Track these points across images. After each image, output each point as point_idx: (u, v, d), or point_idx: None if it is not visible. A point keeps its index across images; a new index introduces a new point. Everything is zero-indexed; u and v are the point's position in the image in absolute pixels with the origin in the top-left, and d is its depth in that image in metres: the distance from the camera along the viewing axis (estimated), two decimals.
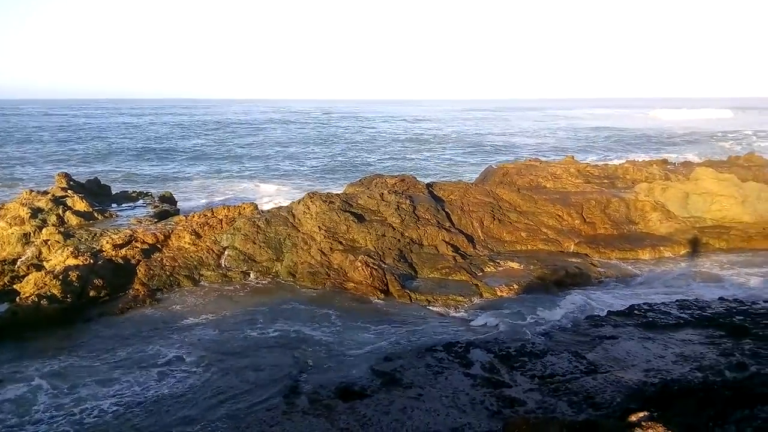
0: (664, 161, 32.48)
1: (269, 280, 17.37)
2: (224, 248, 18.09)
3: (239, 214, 19.55)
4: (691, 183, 23.98)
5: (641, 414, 5.66)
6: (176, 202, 24.91)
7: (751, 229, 21.53)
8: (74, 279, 15.28)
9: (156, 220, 19.96)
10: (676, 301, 14.81)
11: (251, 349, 12.58)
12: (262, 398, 10.35)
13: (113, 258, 16.99)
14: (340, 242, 18.40)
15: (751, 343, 11.58)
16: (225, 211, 19.73)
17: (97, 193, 24.46)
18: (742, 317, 13.53)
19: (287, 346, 12.74)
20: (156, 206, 22.75)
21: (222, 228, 18.70)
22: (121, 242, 17.75)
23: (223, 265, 17.64)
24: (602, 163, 34.39)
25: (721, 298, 15.13)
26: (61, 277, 15.14)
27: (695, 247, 20.53)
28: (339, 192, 22.40)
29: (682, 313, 13.92)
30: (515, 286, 16.56)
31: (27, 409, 10.21)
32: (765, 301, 14.89)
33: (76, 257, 16.36)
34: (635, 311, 13.93)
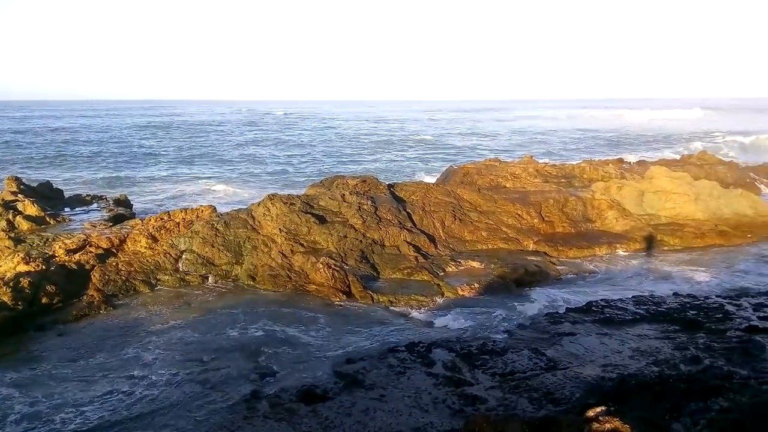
0: (620, 160, 33.21)
1: (229, 283, 17.12)
2: (182, 252, 17.77)
3: (197, 217, 19.23)
4: (646, 181, 24.57)
5: (599, 409, 5.75)
6: (132, 205, 24.36)
7: (704, 226, 22.15)
8: (25, 286, 14.79)
9: (111, 224, 19.47)
10: (632, 297, 15.13)
11: (210, 355, 12.36)
12: (222, 403, 10.17)
13: (66, 263, 16.51)
14: (302, 244, 18.26)
15: (704, 337, 11.90)
16: (182, 214, 19.38)
17: (49, 197, 23.75)
18: (695, 312, 13.90)
19: (248, 350, 12.56)
20: (111, 210, 22.21)
21: (179, 231, 18.36)
22: (74, 247, 17.26)
23: (180, 270, 17.32)
24: (560, 162, 34.97)
25: (675, 294, 15.51)
26: (11, 284, 14.64)
27: (650, 244, 21.03)
28: (300, 193, 22.24)
29: (638, 308, 14.23)
30: (476, 285, 16.68)
31: None
32: (717, 296, 15.34)
33: (27, 263, 15.85)
34: (593, 308, 14.17)
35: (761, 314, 13.69)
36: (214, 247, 17.87)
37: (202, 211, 19.68)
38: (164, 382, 11.13)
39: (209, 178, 39.51)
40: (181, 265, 17.41)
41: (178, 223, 18.60)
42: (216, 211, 20.11)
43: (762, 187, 32.88)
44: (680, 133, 77.05)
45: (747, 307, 14.30)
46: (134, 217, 20.79)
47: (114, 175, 41.02)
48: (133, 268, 16.98)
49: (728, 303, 14.67)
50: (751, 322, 12.94)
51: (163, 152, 55.29)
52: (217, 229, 18.27)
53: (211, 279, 17.17)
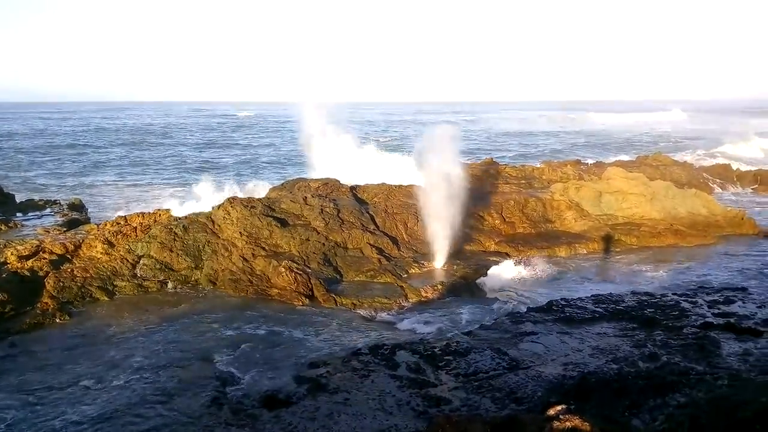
0: (578, 162, 33.81)
1: (189, 289, 16.81)
2: (139, 257, 17.36)
3: (155, 221, 18.83)
4: (603, 182, 25.05)
5: (559, 407, 5.80)
6: (87, 209, 23.77)
7: (660, 225, 22.69)
8: None
9: (65, 229, 18.94)
10: (592, 296, 15.38)
11: (169, 362, 12.07)
12: (182, 412, 9.95)
13: (19, 270, 15.98)
14: (263, 248, 18.05)
15: (661, 334, 12.17)
16: (139, 218, 18.97)
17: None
18: (652, 310, 14.20)
19: (208, 356, 12.32)
20: (65, 215, 21.61)
21: (136, 236, 17.94)
22: (27, 253, 16.72)
23: (138, 275, 16.93)
24: (521, 164, 35.41)
25: (633, 292, 15.82)
26: None
27: (608, 243, 21.44)
28: (260, 196, 21.99)
29: (597, 307, 14.47)
30: (439, 287, 16.74)
31: None
32: (674, 294, 15.70)
33: None
34: (553, 307, 14.36)
35: (716, 311, 14.07)
36: (172, 251, 17.52)
37: (160, 215, 19.28)
38: (121, 391, 10.82)
39: (167, 181, 38.76)
40: (138, 271, 17.02)
41: (135, 228, 18.18)
42: (174, 214, 19.73)
43: (715, 187, 33.90)
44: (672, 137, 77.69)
45: (702, 305, 14.68)
46: (89, 222, 20.29)
47: (68, 178, 39.94)
48: (88, 275, 16.53)
49: (684, 300, 15.04)
50: (706, 319, 13.29)
51: (119, 155, 54.12)
52: (176, 234, 17.92)
53: (170, 284, 16.83)
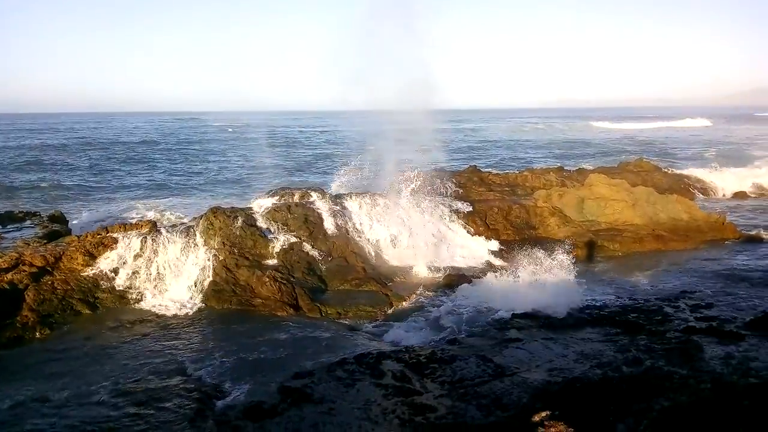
0: (560, 168, 34.01)
1: (170, 300, 16.63)
2: (121, 269, 17.16)
3: (137, 232, 18.62)
4: (586, 189, 25.23)
5: (544, 413, 5.80)
6: (68, 221, 23.40)
7: (642, 231, 22.88)
8: None
9: (45, 241, 18.62)
10: (575, 301, 15.44)
11: (152, 375, 11.91)
12: (167, 425, 9.83)
13: None
14: (246, 258, 17.93)
15: (645, 339, 12.25)
16: (121, 229, 18.73)
17: None
18: (636, 315, 14.30)
19: (192, 368, 12.19)
20: (45, 226, 21.23)
21: (118, 247, 17.72)
22: (6, 266, 16.44)
23: (120, 287, 16.73)
24: (504, 172, 35.57)
25: (616, 297, 15.94)
26: None
27: (591, 249, 21.58)
28: (243, 206, 21.87)
29: (581, 313, 14.54)
30: (424, 294, 16.73)
31: None
32: (657, 299, 15.83)
33: None
34: (538, 313, 14.41)
35: (698, 315, 14.20)
36: (154, 263, 17.34)
37: (142, 226, 19.07)
38: (102, 405, 10.66)
39: (149, 193, 38.39)
40: (120, 283, 16.82)
41: (117, 239, 17.96)
42: (156, 225, 19.53)
43: (696, 192, 34.28)
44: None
45: (685, 309, 14.81)
46: (70, 234, 19.98)
47: (47, 191, 39.39)
48: (69, 287, 16.30)
49: (667, 305, 15.16)
50: (689, 324, 13.40)
51: (101, 166, 53.56)
52: (158, 245, 17.74)
53: (152, 296, 16.64)
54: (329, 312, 15.75)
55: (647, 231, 22.86)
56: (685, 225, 23.71)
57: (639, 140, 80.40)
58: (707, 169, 39.06)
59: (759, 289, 16.66)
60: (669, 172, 37.04)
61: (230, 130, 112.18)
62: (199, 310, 16.01)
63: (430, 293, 16.92)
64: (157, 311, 15.90)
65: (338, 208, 21.18)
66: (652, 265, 19.90)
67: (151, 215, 25.39)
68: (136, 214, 27.05)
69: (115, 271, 17.05)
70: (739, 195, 34.43)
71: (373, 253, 19.47)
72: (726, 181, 36.30)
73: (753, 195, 34.41)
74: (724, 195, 34.95)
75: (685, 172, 38.54)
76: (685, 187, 34.11)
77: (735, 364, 10.84)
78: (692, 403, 7.89)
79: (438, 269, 18.98)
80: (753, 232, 23.69)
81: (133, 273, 17.05)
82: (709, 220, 24.09)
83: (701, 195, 34.20)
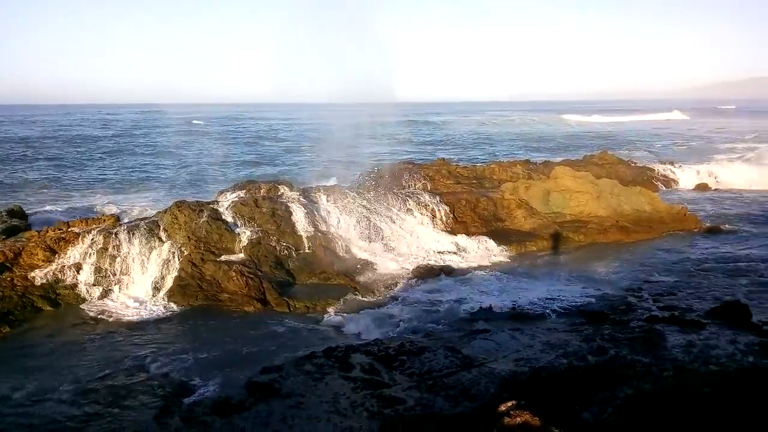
0: (527, 161, 34.35)
1: (134, 296, 16.34)
2: (83, 265, 16.78)
3: (99, 226, 18.23)
4: (552, 181, 25.51)
5: (510, 403, 5.85)
6: (27, 216, 22.83)
7: (606, 222, 23.25)
8: None
9: (4, 237, 18.15)
10: (541, 292, 15.65)
11: (116, 372, 11.68)
12: (131, 422, 9.67)
13: None
14: (213, 252, 17.70)
15: (609, 329, 12.47)
16: (83, 224, 18.34)
17: None
18: (600, 304, 14.56)
19: (157, 366, 12.00)
20: (4, 221, 20.69)
21: (80, 243, 17.33)
22: None
23: (82, 283, 16.36)
24: (471, 164, 35.79)
25: (581, 288, 16.18)
26: None
27: (557, 240, 21.84)
28: (209, 200, 21.59)
29: (547, 303, 14.75)
30: (393, 286, 16.74)
31: None
32: (620, 289, 16.12)
33: None
34: (505, 304, 14.56)
35: (660, 305, 14.52)
36: (117, 258, 17.00)
37: (104, 220, 18.71)
38: (64, 404, 10.42)
39: (111, 186, 37.59)
40: (82, 279, 16.45)
41: (78, 234, 17.55)
42: (119, 220, 19.18)
43: (659, 184, 34.97)
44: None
45: (647, 299, 15.13)
46: (30, 229, 19.47)
47: (7, 184, 38.31)
48: (30, 284, 15.90)
49: (630, 295, 15.46)
50: (652, 313, 13.70)
51: (63, 159, 52.29)
52: (121, 240, 17.38)
53: (115, 292, 16.33)
54: (298, 306, 15.65)
55: (611, 222, 23.24)
56: (648, 216, 24.17)
57: (605, 133, 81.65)
58: (670, 162, 39.90)
59: (719, 278, 17.10)
60: (632, 164, 37.68)
61: (195, 122, 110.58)
62: (165, 306, 15.75)
63: (399, 286, 16.93)
64: (120, 308, 15.59)
65: (306, 201, 21.04)
66: (615, 255, 20.24)
67: (114, 210, 24.92)
68: (99, 208, 26.55)
69: (77, 266, 16.66)
70: (701, 187, 35.20)
71: (341, 247, 19.39)
72: (688, 174, 37.09)
73: (714, 187, 35.21)
74: (686, 187, 35.71)
75: (648, 164, 39.32)
76: (648, 179, 34.75)
77: (696, 352, 11.12)
78: (655, 391, 8.05)
79: (406, 262, 19.01)
80: (714, 223, 24.28)
81: (96, 269, 16.68)
82: (672, 211, 24.59)
83: (664, 187, 34.89)
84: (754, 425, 6.48)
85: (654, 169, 37.30)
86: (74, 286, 16.21)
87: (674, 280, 17.02)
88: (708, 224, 24.13)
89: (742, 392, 7.27)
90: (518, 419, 5.45)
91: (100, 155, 55.47)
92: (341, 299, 15.93)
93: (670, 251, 20.47)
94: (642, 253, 20.59)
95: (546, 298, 15.19)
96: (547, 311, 14.16)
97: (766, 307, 14.33)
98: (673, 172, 37.09)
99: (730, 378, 8.48)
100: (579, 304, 14.76)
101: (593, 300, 15.09)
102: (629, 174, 34.02)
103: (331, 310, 15.41)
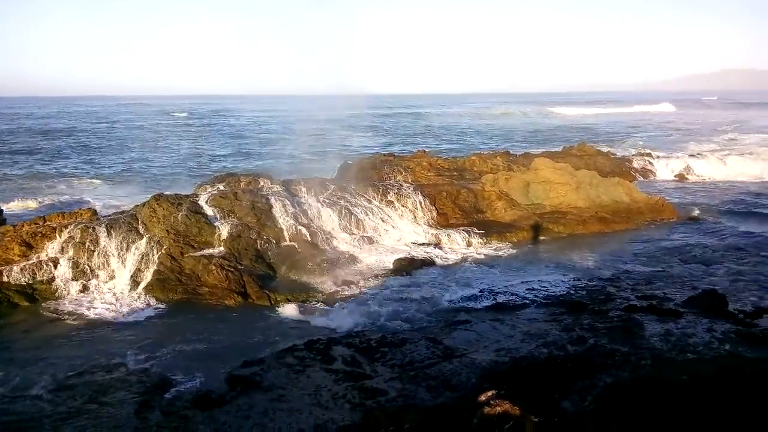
0: (507, 153, 34.49)
1: (113, 290, 16.15)
2: (60, 259, 16.55)
3: (76, 221, 17.98)
4: (531, 173, 25.66)
5: (490, 393, 5.89)
6: (2, 210, 22.45)
7: (585, 213, 23.46)
8: None
9: None
10: (521, 282, 15.77)
11: (95, 368, 11.52)
12: (111, 417, 9.55)
13: None
14: (192, 245, 17.54)
15: (588, 318, 12.59)
16: (59, 218, 18.07)
17: None
18: (580, 294, 14.70)
19: (137, 360, 11.90)
20: None
21: (57, 237, 17.08)
22: None
23: (60, 278, 16.13)
24: (452, 156, 35.85)
25: (561, 278, 16.31)
26: None
27: (537, 231, 21.99)
28: (188, 193, 21.38)
29: (527, 293, 14.85)
30: (374, 278, 16.74)
31: None
32: (599, 279, 16.28)
33: None
34: (485, 295, 14.65)
35: (639, 294, 14.69)
36: (95, 252, 16.79)
37: (82, 214, 18.43)
38: (42, 401, 10.27)
39: (89, 179, 37.06)
40: (60, 273, 16.22)
41: (55, 228, 17.29)
42: (97, 213, 18.91)
43: (637, 175, 35.36)
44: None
45: (626, 288, 15.30)
46: (5, 223, 19.15)
47: None
48: (5, 279, 15.64)
49: (609, 285, 15.63)
50: (631, 302, 13.86)
51: (40, 152, 51.47)
52: (99, 234, 17.16)
53: (93, 287, 16.13)
54: (279, 299, 15.58)
55: (590, 213, 23.45)
56: (627, 207, 24.44)
57: (586, 125, 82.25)
58: (647, 153, 40.35)
59: (696, 267, 17.35)
60: (611, 155, 38.03)
61: (175, 114, 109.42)
62: (144, 300, 15.59)
63: (380, 278, 16.93)
64: (98, 302, 15.41)
65: (287, 194, 20.94)
66: (595, 246, 20.44)
67: (91, 203, 24.60)
68: (76, 201, 26.19)
69: (54, 261, 16.42)
70: (678, 177, 35.66)
71: (322, 240, 19.34)
72: (665, 164, 37.52)
73: (690, 178, 35.68)
74: (663, 178, 36.13)
75: (626, 155, 39.71)
76: (626, 170, 35.10)
77: (674, 341, 11.28)
78: (634, 380, 8.15)
79: (387, 254, 19.01)
80: (690, 213, 24.62)
81: (73, 263, 16.44)
82: (649, 201, 24.89)
83: (642, 177, 35.27)
84: (730, 412, 6.58)
85: (632, 160, 37.71)
86: (51, 280, 15.98)
87: (652, 269, 17.23)
88: (684, 214, 24.46)
89: (719, 380, 7.38)
90: (498, 408, 5.49)
91: (77, 148, 54.73)
92: (322, 292, 15.90)
93: (648, 241, 20.72)
94: (620, 243, 20.82)
95: (526, 289, 15.30)
96: (527, 301, 14.26)
97: (741, 296, 14.59)
98: (651, 164, 37.50)
99: (706, 366, 8.61)
100: (559, 294, 14.88)
101: (573, 290, 15.23)
102: (608, 165, 34.35)
103: (311, 302, 15.38)
